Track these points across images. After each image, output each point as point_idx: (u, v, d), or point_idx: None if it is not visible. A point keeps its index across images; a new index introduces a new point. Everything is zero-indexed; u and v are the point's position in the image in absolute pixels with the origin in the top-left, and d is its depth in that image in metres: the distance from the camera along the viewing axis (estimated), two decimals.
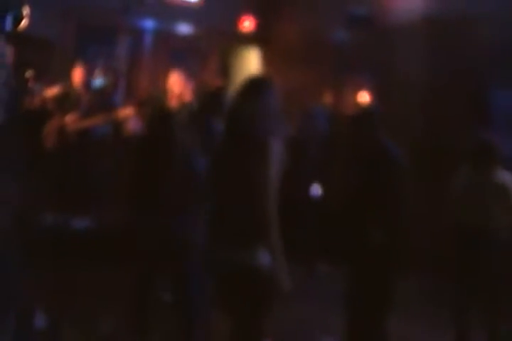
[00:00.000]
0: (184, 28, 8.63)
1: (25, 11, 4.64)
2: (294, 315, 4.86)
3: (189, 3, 8.47)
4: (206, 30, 8.50)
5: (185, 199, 4.09)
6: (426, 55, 6.86)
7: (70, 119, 6.36)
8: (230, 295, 2.98)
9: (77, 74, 6.72)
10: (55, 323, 4.30)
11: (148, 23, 8.29)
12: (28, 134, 4.53)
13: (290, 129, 6.35)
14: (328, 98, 7.88)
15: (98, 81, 7.07)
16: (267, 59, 9.24)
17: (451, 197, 4.72)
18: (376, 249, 3.77)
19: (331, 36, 8.15)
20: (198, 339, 4.09)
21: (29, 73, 5.90)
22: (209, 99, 4.80)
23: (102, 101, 6.77)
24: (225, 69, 9.04)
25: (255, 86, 3.05)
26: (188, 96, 6.00)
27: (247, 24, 9.07)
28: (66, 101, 6.43)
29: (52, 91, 6.42)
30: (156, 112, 4.43)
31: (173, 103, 6.00)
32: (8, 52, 4.24)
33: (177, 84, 6.09)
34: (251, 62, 9.42)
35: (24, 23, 4.57)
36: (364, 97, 7.61)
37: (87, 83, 6.85)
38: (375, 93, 7.41)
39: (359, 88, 7.69)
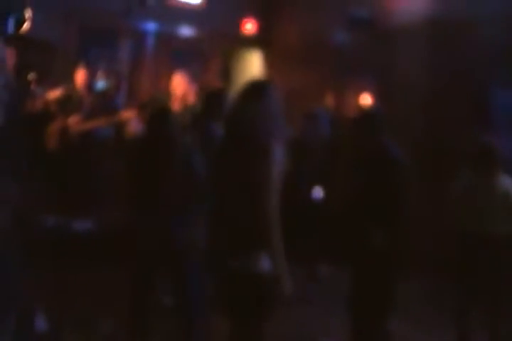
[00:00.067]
0: (186, 31, 8.64)
1: (28, 13, 4.66)
2: (295, 317, 4.86)
3: (191, 5, 8.49)
4: (208, 33, 8.51)
5: (184, 200, 4.10)
6: (427, 57, 6.86)
7: (72, 121, 6.38)
8: (230, 299, 2.98)
9: (80, 77, 6.74)
10: (56, 325, 4.30)
11: (151, 26, 8.30)
12: (30, 136, 4.53)
13: (292, 131, 6.37)
14: (329, 100, 7.89)
15: (100, 83, 7.08)
16: (269, 61, 9.25)
17: (452, 200, 4.72)
18: (377, 250, 3.77)
19: (333, 38, 8.15)
20: (197, 340, 4.11)
21: (31, 76, 5.91)
22: (209, 101, 4.81)
23: (104, 103, 6.78)
24: (227, 72, 9.06)
25: (256, 89, 3.05)
26: (192, 98, 6.02)
27: (249, 26, 9.08)
28: (68, 104, 6.45)
29: (55, 93, 6.43)
30: (155, 112, 4.43)
31: (176, 105, 6.02)
32: (10, 54, 4.25)
33: (180, 86, 6.11)
34: (253, 65, 9.43)
35: (26, 25, 4.59)
36: (366, 99, 7.61)
37: (89, 85, 6.87)
38: (377, 95, 7.41)
39: (361, 90, 7.69)
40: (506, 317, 4.57)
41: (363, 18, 7.50)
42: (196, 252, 3.90)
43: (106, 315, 4.70)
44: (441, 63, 6.74)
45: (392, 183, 3.85)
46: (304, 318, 5.01)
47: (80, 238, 5.95)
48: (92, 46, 7.95)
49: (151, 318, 4.16)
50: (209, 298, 3.89)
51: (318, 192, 6.35)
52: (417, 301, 5.27)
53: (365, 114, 4.42)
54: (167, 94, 6.23)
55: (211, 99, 4.82)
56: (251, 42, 9.22)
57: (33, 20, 4.90)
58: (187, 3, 8.46)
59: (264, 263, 2.82)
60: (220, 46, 8.86)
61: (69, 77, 6.78)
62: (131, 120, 6.17)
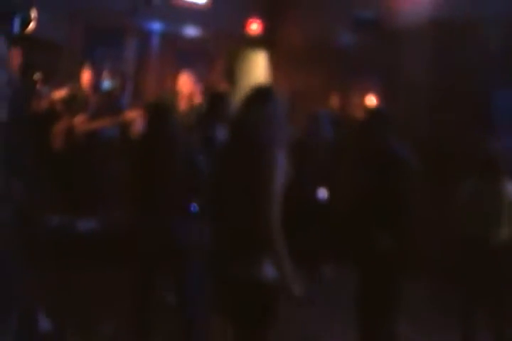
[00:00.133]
0: (191, 31, 8.65)
1: (33, 13, 4.67)
2: (298, 318, 4.86)
3: (197, 5, 8.49)
4: (213, 33, 8.51)
5: (186, 199, 4.11)
6: (432, 58, 6.85)
7: (77, 121, 6.38)
8: (233, 307, 2.97)
9: (85, 77, 6.75)
10: (59, 325, 4.30)
11: (156, 26, 8.31)
12: (35, 135, 4.54)
13: (296, 132, 6.37)
14: (334, 101, 7.88)
15: (106, 83, 7.09)
16: (274, 61, 9.25)
17: (458, 206, 4.71)
18: (383, 253, 3.76)
19: (338, 39, 8.15)
20: (197, 340, 4.12)
21: (37, 75, 5.92)
22: (213, 102, 4.81)
23: (110, 103, 6.79)
24: (231, 72, 9.05)
25: (261, 95, 3.03)
26: (198, 97, 6.02)
27: (255, 27, 9.08)
28: (74, 103, 6.46)
29: (60, 93, 6.44)
30: (155, 110, 4.44)
31: (182, 104, 6.02)
32: (16, 54, 4.26)
33: (186, 86, 6.11)
34: (258, 65, 9.43)
35: (32, 25, 4.59)
36: (371, 100, 7.60)
37: (95, 85, 6.88)
38: (382, 96, 7.40)
39: (366, 91, 7.69)
40: (511, 319, 4.56)
41: (368, 19, 7.50)
42: (197, 252, 3.91)
43: (109, 315, 4.71)
44: (446, 64, 6.73)
45: (400, 185, 3.82)
46: (307, 319, 5.01)
47: (84, 238, 5.96)
48: (98, 46, 7.96)
49: (153, 318, 4.17)
50: (209, 297, 3.89)
51: (322, 193, 6.35)
52: (421, 303, 5.27)
53: (374, 113, 4.37)
54: (173, 93, 6.24)
55: (215, 100, 4.82)
56: (256, 42, 9.22)
57: (39, 20, 4.90)
58: (192, 3, 8.47)
59: (267, 270, 2.82)
60: (225, 46, 8.87)
61: (74, 77, 6.79)
62: (137, 120, 6.17)
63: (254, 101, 3.00)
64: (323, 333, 4.86)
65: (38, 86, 5.96)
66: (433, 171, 6.13)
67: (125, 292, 4.26)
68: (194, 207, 4.10)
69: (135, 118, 6.26)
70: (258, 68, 9.41)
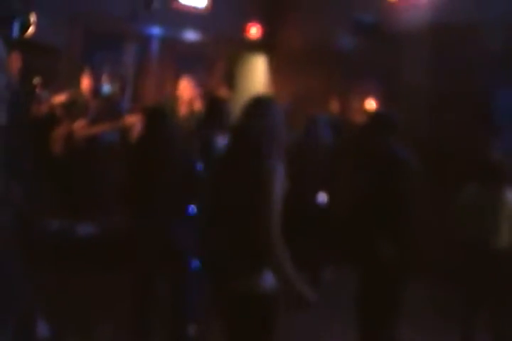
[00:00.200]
0: (191, 35, 8.65)
1: (33, 18, 4.67)
2: (299, 321, 4.84)
3: (196, 10, 8.49)
4: (213, 37, 8.51)
5: (184, 202, 4.11)
6: (432, 61, 6.85)
7: (78, 126, 6.38)
8: (233, 319, 2.95)
9: (85, 81, 6.75)
10: (57, 330, 4.28)
11: (155, 30, 8.31)
12: (35, 140, 4.53)
13: (296, 136, 6.36)
14: (334, 105, 7.88)
15: (105, 87, 7.09)
16: (274, 65, 9.26)
17: (458, 210, 4.71)
18: (384, 260, 3.74)
19: (338, 43, 8.15)
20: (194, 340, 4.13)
21: (36, 80, 5.92)
22: (211, 108, 4.81)
23: (109, 107, 6.78)
24: (231, 76, 9.06)
25: (260, 105, 3.02)
26: (198, 103, 6.02)
27: (254, 31, 9.09)
28: (74, 108, 6.45)
29: (60, 97, 6.44)
30: (151, 114, 4.44)
31: (183, 110, 6.02)
32: (15, 58, 4.26)
33: (187, 91, 6.12)
34: (257, 69, 9.44)
35: (31, 29, 4.60)
36: (370, 104, 7.60)
37: (94, 90, 6.88)
38: (382, 99, 7.40)
39: (366, 94, 7.68)
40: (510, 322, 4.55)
41: (368, 23, 7.50)
42: (195, 253, 3.91)
43: (108, 318, 4.69)
44: (445, 67, 6.73)
45: (400, 187, 3.80)
46: (308, 322, 4.99)
47: (84, 242, 5.95)
48: (97, 50, 7.95)
49: (152, 319, 4.16)
50: (205, 298, 3.89)
51: (322, 197, 6.34)
52: (421, 305, 5.25)
53: (375, 117, 4.31)
54: (174, 99, 6.24)
55: (214, 105, 4.82)
56: (256, 46, 9.22)
57: (38, 25, 4.91)
58: (192, 8, 8.47)
59: (266, 281, 2.81)
60: (224, 51, 8.87)
61: (74, 81, 6.79)
62: (136, 125, 6.17)
63: (253, 112, 2.98)
64: (323, 335, 4.85)
65: (37, 90, 5.96)
66: (434, 173, 6.13)
67: (124, 295, 4.25)
68: (192, 209, 4.10)
69: (135, 123, 6.25)
70: (258, 72, 9.42)
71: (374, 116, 4.42)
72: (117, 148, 6.54)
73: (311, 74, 8.16)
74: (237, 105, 3.49)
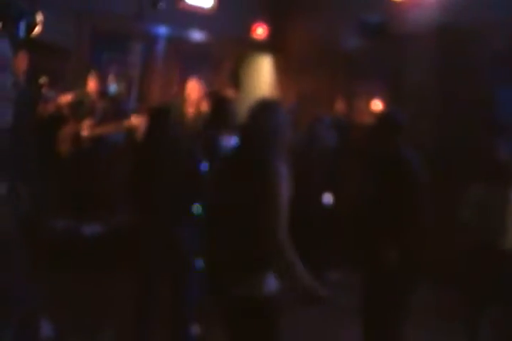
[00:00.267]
0: (197, 35, 8.65)
1: (39, 17, 4.68)
2: (304, 323, 4.84)
3: (202, 10, 8.50)
4: (219, 37, 8.52)
5: (186, 200, 4.11)
6: (438, 62, 6.84)
7: (85, 126, 6.39)
8: (234, 319, 2.95)
9: (92, 81, 6.76)
10: (61, 330, 4.29)
11: (162, 30, 8.31)
12: (42, 139, 4.55)
13: (301, 137, 6.36)
14: (340, 105, 7.87)
15: (111, 87, 7.10)
16: (280, 66, 9.25)
17: (464, 214, 4.69)
18: (391, 269, 3.73)
19: (344, 43, 8.14)
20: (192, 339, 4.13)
21: (43, 79, 5.93)
22: (217, 107, 4.82)
23: (116, 108, 6.79)
24: (237, 77, 9.06)
25: (265, 109, 3.02)
26: (205, 103, 6.03)
27: (260, 31, 9.09)
28: (80, 108, 6.46)
29: (67, 97, 6.45)
30: (155, 113, 4.45)
31: (190, 110, 6.04)
32: (22, 58, 4.27)
33: (195, 92, 6.14)
34: (263, 70, 9.44)
35: (38, 29, 4.60)
36: (376, 105, 7.59)
37: (101, 90, 6.89)
38: (387, 100, 7.39)
39: (371, 95, 7.67)
40: None
41: (374, 24, 7.49)
42: (197, 253, 3.92)
43: (113, 319, 4.70)
44: (451, 68, 6.72)
45: (408, 188, 3.78)
46: (312, 323, 4.99)
47: (89, 242, 5.96)
48: (104, 50, 7.95)
49: (155, 319, 4.17)
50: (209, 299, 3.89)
51: (328, 198, 6.34)
52: (427, 308, 5.23)
53: (384, 118, 4.23)
54: (182, 99, 6.25)
55: (219, 105, 4.83)
56: (262, 47, 9.22)
57: (45, 24, 4.92)
58: (198, 8, 8.48)
59: (269, 284, 2.81)
60: (230, 51, 8.87)
61: (80, 81, 6.80)
62: (142, 125, 6.17)
63: (258, 114, 2.99)
64: (328, 336, 4.84)
65: (43, 90, 5.96)
66: (438, 174, 6.12)
67: (129, 294, 4.26)
68: (196, 209, 4.10)
69: (140, 123, 6.26)
70: (264, 72, 9.42)
71: (382, 116, 4.38)
72: (123, 148, 6.55)
73: (316, 74, 8.16)
74: (243, 105, 3.50)
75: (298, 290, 2.84)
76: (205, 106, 5.99)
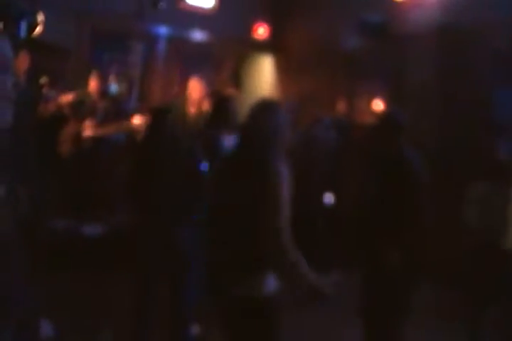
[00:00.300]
0: (198, 35, 8.65)
1: (40, 17, 4.68)
2: (304, 323, 4.84)
3: (203, 10, 8.50)
4: (220, 37, 8.52)
5: (186, 200, 4.11)
6: (439, 62, 6.83)
7: (87, 126, 6.38)
8: (233, 320, 2.95)
9: (93, 81, 6.76)
10: (61, 331, 4.29)
11: (162, 30, 8.31)
12: (42, 139, 4.55)
13: (301, 136, 6.36)
14: (341, 105, 7.87)
15: (112, 87, 7.10)
16: (281, 66, 9.25)
17: (465, 214, 4.68)
18: (393, 269, 3.73)
19: (344, 43, 8.13)
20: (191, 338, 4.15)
21: (44, 79, 5.92)
22: (218, 106, 4.82)
23: (116, 107, 6.79)
24: (238, 77, 9.06)
25: (265, 109, 3.02)
26: (207, 103, 6.04)
27: (261, 31, 9.09)
28: (81, 108, 6.46)
29: (67, 97, 6.44)
30: (157, 113, 4.44)
31: (192, 110, 6.04)
32: (23, 58, 4.27)
33: (196, 91, 6.14)
34: (264, 70, 9.44)
35: (39, 29, 4.60)
36: (377, 105, 7.59)
37: (102, 89, 6.89)
38: (388, 100, 7.39)
39: (372, 95, 7.67)
40: None
41: (375, 24, 7.48)
42: (197, 253, 3.92)
43: (113, 319, 4.70)
44: (451, 69, 6.72)
45: (409, 188, 3.77)
46: (315, 324, 4.99)
47: (89, 242, 5.97)
48: (104, 50, 7.95)
49: (154, 319, 4.17)
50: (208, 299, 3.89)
51: (329, 198, 6.33)
52: (428, 308, 5.23)
53: (386, 118, 4.21)
54: (183, 98, 6.25)
55: (220, 104, 4.83)
56: (262, 47, 9.22)
57: (46, 24, 4.91)
58: (199, 8, 8.48)
59: (269, 284, 2.81)
60: (231, 51, 8.87)
61: (81, 81, 6.80)
62: (143, 125, 6.17)
63: (258, 114, 2.98)
64: (329, 336, 4.84)
65: (44, 90, 5.96)
66: (440, 175, 6.11)
67: (129, 295, 4.26)
68: (196, 208, 4.10)
69: (142, 123, 6.26)
70: (265, 72, 9.42)
71: (384, 116, 4.37)
72: (124, 147, 6.55)
73: (317, 74, 8.15)
74: (244, 105, 3.49)
75: (303, 288, 2.84)
76: (206, 106, 5.99)
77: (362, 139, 6.57)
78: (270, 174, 2.79)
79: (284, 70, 9.14)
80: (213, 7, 8.55)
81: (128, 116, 6.58)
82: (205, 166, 4.18)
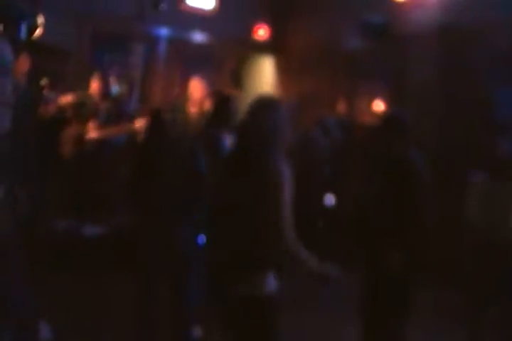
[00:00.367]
0: (198, 36, 8.66)
1: (40, 19, 4.69)
2: (304, 323, 4.84)
3: (204, 11, 8.50)
4: (220, 39, 8.52)
5: (186, 201, 4.11)
6: (440, 63, 6.84)
7: (90, 128, 6.39)
8: (234, 319, 2.95)
9: (94, 83, 6.76)
10: (61, 332, 4.29)
11: (163, 31, 8.32)
12: (43, 141, 4.55)
13: (304, 137, 6.36)
14: (342, 106, 7.87)
15: (113, 89, 7.10)
16: (281, 67, 9.25)
17: (469, 212, 4.68)
18: (394, 271, 3.73)
19: (346, 44, 8.14)
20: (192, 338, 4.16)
21: (44, 81, 5.93)
22: (219, 106, 4.82)
23: (118, 109, 6.80)
24: (238, 78, 9.06)
25: (264, 106, 3.00)
26: (208, 103, 6.05)
27: (262, 32, 9.09)
28: (83, 109, 6.46)
29: (67, 98, 6.45)
30: (155, 113, 4.45)
31: (193, 110, 6.04)
32: (24, 60, 4.27)
33: (197, 91, 6.15)
34: (265, 70, 9.44)
35: (39, 31, 4.61)
36: (378, 105, 7.59)
37: (103, 91, 6.89)
38: (389, 100, 7.39)
39: (373, 96, 7.67)
40: None
41: (376, 24, 7.48)
42: (197, 254, 3.92)
43: (113, 320, 4.70)
44: (453, 69, 6.72)
45: (411, 189, 3.77)
46: (313, 324, 4.99)
47: (90, 243, 5.97)
48: (105, 51, 7.95)
49: (155, 319, 4.17)
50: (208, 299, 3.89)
51: (330, 199, 6.33)
52: (428, 309, 5.22)
53: (388, 118, 4.20)
54: (184, 99, 6.25)
55: (221, 104, 4.84)
56: (263, 48, 9.23)
57: (46, 26, 4.93)
58: (200, 9, 8.48)
59: (269, 283, 2.82)
60: (232, 52, 8.87)
61: (83, 83, 6.80)
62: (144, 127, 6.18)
63: (257, 112, 2.96)
64: (329, 335, 4.84)
65: (45, 91, 5.97)
66: (441, 174, 6.10)
67: (129, 295, 4.26)
68: (196, 209, 4.10)
69: (143, 125, 6.26)
70: (265, 73, 9.42)
71: (387, 117, 4.36)
72: (124, 149, 6.55)
73: (318, 75, 8.16)
74: (245, 106, 3.49)
75: (313, 275, 2.90)
76: (208, 106, 6.00)
77: (363, 139, 6.57)
78: (271, 173, 2.78)
79: (285, 71, 9.15)
80: (214, 8, 8.55)
81: (129, 117, 6.58)
82: (205, 166, 4.18)
